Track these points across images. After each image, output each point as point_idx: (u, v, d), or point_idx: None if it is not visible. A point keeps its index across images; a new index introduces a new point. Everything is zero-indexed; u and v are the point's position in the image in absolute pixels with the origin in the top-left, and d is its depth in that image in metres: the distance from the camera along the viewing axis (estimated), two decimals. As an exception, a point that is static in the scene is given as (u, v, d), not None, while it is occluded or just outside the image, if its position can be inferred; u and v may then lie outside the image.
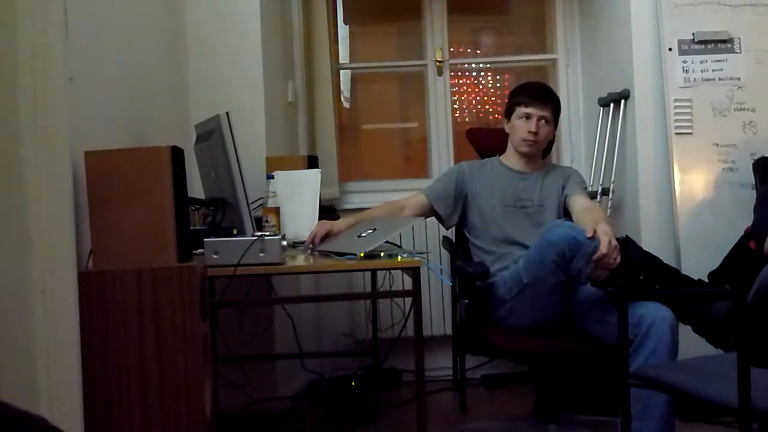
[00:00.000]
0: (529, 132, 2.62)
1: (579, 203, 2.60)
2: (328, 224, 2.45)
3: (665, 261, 2.53)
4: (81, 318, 1.58)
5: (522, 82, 2.91)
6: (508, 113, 2.70)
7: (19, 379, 1.42)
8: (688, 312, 2.29)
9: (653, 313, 2.16)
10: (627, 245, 2.38)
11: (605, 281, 2.24)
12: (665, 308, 2.19)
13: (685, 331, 2.34)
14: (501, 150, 2.80)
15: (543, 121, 2.63)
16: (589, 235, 2.17)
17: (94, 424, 1.61)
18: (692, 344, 2.32)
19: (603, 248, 2.15)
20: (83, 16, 1.89)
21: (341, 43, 3.86)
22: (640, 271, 2.40)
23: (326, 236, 2.41)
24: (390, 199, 3.52)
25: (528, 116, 2.62)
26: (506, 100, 2.76)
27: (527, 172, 2.72)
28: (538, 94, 2.66)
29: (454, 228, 2.88)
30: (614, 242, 2.19)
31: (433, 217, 3.47)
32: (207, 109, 2.45)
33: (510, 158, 2.75)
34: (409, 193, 3.61)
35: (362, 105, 4.06)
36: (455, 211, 2.72)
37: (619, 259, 2.19)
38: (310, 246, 2.38)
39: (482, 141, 2.96)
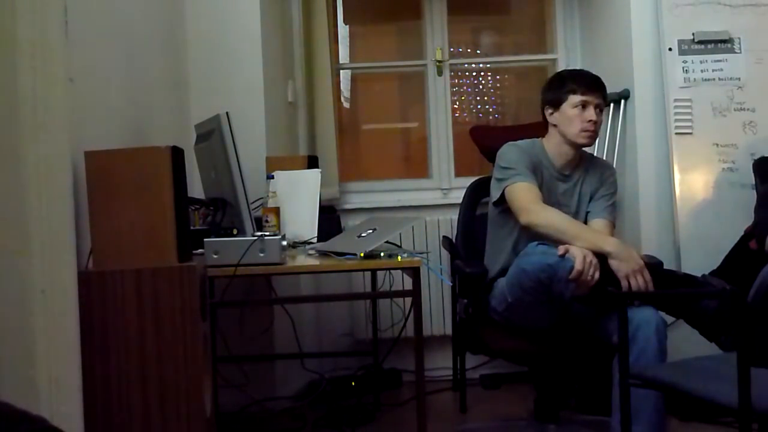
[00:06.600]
0: (590, 121, 2.40)
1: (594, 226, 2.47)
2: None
3: (665, 261, 2.52)
4: (81, 318, 1.58)
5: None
6: (556, 103, 2.45)
7: (19, 379, 1.43)
8: (680, 306, 2.26)
9: (638, 316, 2.12)
10: None
11: (590, 296, 2.18)
12: (651, 311, 2.16)
13: (683, 332, 2.34)
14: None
15: (599, 110, 2.43)
16: (561, 253, 2.11)
17: (94, 424, 1.61)
18: (690, 344, 2.31)
19: (578, 265, 2.09)
20: (83, 16, 1.89)
21: (341, 43, 3.85)
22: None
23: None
24: (389, 199, 3.54)
25: (585, 104, 2.40)
26: (549, 88, 2.51)
27: (567, 174, 2.52)
28: (591, 79, 2.45)
29: (454, 227, 2.86)
30: (590, 258, 2.12)
31: (430, 218, 3.47)
32: (207, 109, 2.45)
33: (553, 150, 2.51)
34: (409, 192, 3.66)
35: (362, 105, 4.06)
36: None
37: (597, 275, 2.13)
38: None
39: (486, 139, 2.94)
